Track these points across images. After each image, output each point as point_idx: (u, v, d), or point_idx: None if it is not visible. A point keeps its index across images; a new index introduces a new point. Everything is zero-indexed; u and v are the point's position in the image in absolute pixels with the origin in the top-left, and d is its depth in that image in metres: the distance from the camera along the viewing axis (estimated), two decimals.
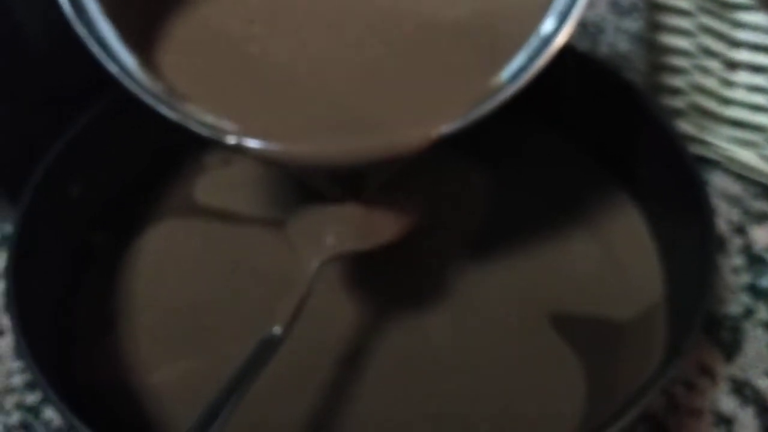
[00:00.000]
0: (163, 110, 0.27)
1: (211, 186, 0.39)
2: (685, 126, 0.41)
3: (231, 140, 0.27)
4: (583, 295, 0.34)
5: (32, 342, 0.29)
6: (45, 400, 0.35)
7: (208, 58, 0.29)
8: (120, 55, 0.27)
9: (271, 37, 0.30)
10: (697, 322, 0.28)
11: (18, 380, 0.36)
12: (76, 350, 0.34)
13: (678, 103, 0.41)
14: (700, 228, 0.31)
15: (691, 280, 0.30)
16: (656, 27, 0.39)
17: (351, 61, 0.29)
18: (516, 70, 0.27)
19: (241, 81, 0.29)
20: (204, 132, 0.27)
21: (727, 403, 0.34)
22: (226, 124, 0.27)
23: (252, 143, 0.27)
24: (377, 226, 0.31)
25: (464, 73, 0.28)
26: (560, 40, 0.27)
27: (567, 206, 0.37)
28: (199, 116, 0.27)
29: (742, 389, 0.34)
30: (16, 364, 0.37)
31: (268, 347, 0.28)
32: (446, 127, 0.27)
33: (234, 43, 0.29)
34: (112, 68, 0.27)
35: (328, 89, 0.28)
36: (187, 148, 0.40)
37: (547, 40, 0.27)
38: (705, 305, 0.28)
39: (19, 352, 0.37)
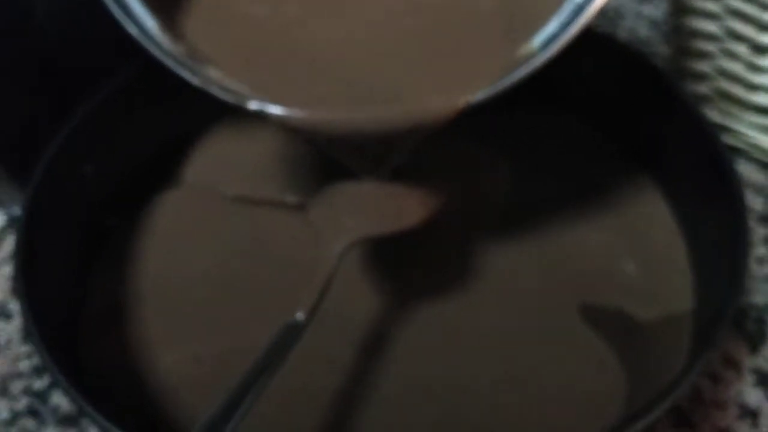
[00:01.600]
0: (184, 74, 0.26)
1: (227, 167, 0.38)
2: (710, 112, 0.40)
3: (253, 105, 0.26)
4: (608, 283, 0.33)
5: (41, 326, 0.29)
6: (52, 386, 0.35)
7: (234, 24, 0.29)
8: (141, 17, 0.27)
9: (301, 8, 0.29)
10: (728, 315, 0.27)
11: (26, 365, 0.36)
12: (85, 334, 0.33)
13: (703, 88, 0.40)
14: (731, 221, 0.30)
15: (721, 274, 0.29)
16: (682, 10, 0.38)
17: (379, 31, 0.29)
18: (548, 37, 0.27)
19: (267, 47, 0.28)
20: (225, 97, 0.27)
21: (753, 395, 0.33)
22: (248, 89, 0.27)
23: (275, 109, 0.26)
24: (400, 210, 0.30)
25: (492, 42, 0.28)
26: (594, 8, 0.26)
27: (592, 193, 0.36)
28: (221, 80, 0.27)
29: (767, 381, 0.33)
30: (24, 349, 0.36)
31: (291, 333, 0.27)
32: (474, 96, 0.27)
33: (262, 11, 0.29)
34: (133, 30, 0.26)
35: (355, 59, 0.28)
36: (202, 128, 0.39)
37: (581, 6, 0.26)
38: (736, 300, 0.28)
39: (27, 337, 0.36)
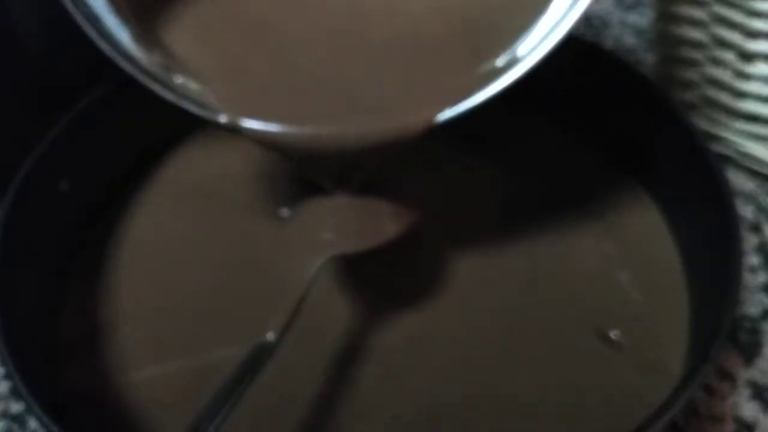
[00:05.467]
0: (157, 89, 0.26)
1: (202, 181, 0.38)
2: (697, 120, 0.39)
3: (223, 119, 0.26)
4: (600, 294, 0.33)
5: (15, 350, 0.28)
6: (30, 409, 0.34)
7: (216, 35, 0.28)
8: (113, 30, 0.26)
9: (279, 23, 0.29)
10: (723, 331, 0.27)
11: (3, 387, 0.35)
12: (61, 355, 0.32)
13: (690, 96, 0.39)
14: (723, 234, 0.29)
15: (715, 288, 0.29)
16: (668, 18, 0.38)
17: (353, 48, 0.28)
18: (512, 59, 0.27)
19: (245, 60, 0.28)
20: (198, 112, 0.26)
21: (749, 408, 0.33)
22: (220, 102, 0.27)
23: (247, 123, 0.26)
24: (376, 226, 0.30)
25: (458, 61, 0.28)
26: (561, 34, 0.26)
27: (583, 203, 0.36)
28: (194, 94, 0.26)
29: (762, 394, 0.33)
30: (1, 371, 0.35)
31: (262, 354, 0.26)
32: (445, 112, 0.27)
33: (243, 24, 0.29)
34: (104, 46, 0.26)
35: (328, 74, 0.28)
36: (178, 139, 0.39)
37: (549, 32, 0.26)
38: (730, 315, 0.27)
39: (2, 360, 0.35)
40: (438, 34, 0.29)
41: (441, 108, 0.27)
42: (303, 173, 0.30)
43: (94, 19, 0.26)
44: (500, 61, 0.27)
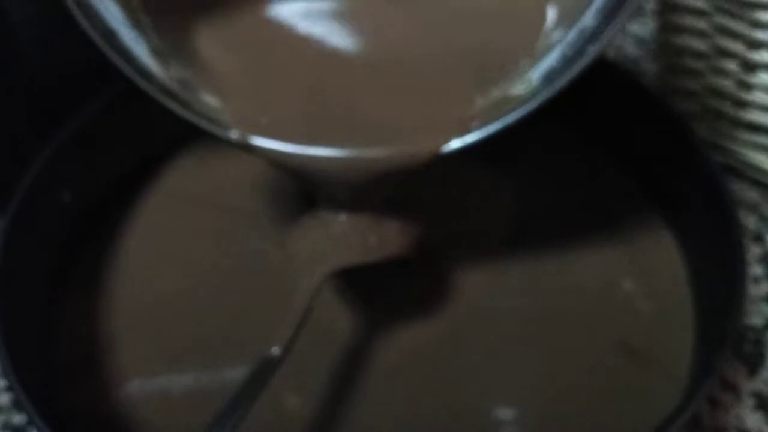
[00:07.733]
0: (174, 107, 0.26)
1: (204, 191, 0.37)
2: (699, 130, 0.39)
3: (234, 135, 0.26)
4: (607, 305, 0.33)
5: (17, 361, 0.28)
6: (32, 422, 0.34)
7: (236, 53, 0.28)
8: (130, 45, 0.26)
9: (294, 46, 0.29)
10: (727, 344, 0.27)
11: (5, 399, 0.35)
12: (61, 371, 0.32)
13: (692, 106, 0.39)
14: (728, 245, 0.29)
15: (720, 299, 0.29)
16: (670, 28, 0.38)
17: (368, 77, 0.29)
18: (546, 72, 0.26)
19: (263, 80, 0.28)
20: (213, 130, 0.26)
21: (752, 419, 0.32)
22: (237, 120, 0.27)
23: (258, 141, 0.26)
24: (383, 238, 0.29)
25: (474, 87, 0.28)
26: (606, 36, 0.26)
27: (588, 215, 0.36)
28: (208, 110, 0.26)
29: (766, 405, 0.33)
30: (3, 383, 0.35)
31: (267, 368, 0.26)
32: (453, 143, 0.27)
33: (263, 44, 0.29)
34: (122, 65, 0.26)
35: (341, 100, 0.28)
36: (179, 149, 0.39)
37: (591, 36, 0.26)
38: (734, 327, 0.27)
39: (4, 372, 0.35)
40: (449, 63, 0.29)
41: (447, 138, 0.27)
42: (310, 193, 0.30)
43: (110, 36, 0.26)
44: (516, 90, 0.27)
